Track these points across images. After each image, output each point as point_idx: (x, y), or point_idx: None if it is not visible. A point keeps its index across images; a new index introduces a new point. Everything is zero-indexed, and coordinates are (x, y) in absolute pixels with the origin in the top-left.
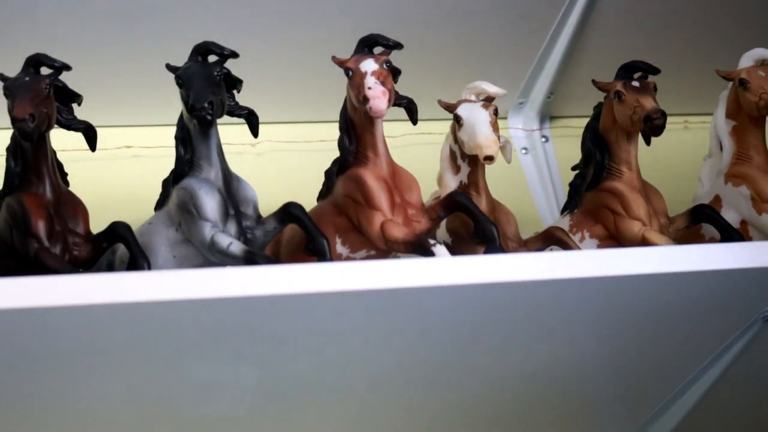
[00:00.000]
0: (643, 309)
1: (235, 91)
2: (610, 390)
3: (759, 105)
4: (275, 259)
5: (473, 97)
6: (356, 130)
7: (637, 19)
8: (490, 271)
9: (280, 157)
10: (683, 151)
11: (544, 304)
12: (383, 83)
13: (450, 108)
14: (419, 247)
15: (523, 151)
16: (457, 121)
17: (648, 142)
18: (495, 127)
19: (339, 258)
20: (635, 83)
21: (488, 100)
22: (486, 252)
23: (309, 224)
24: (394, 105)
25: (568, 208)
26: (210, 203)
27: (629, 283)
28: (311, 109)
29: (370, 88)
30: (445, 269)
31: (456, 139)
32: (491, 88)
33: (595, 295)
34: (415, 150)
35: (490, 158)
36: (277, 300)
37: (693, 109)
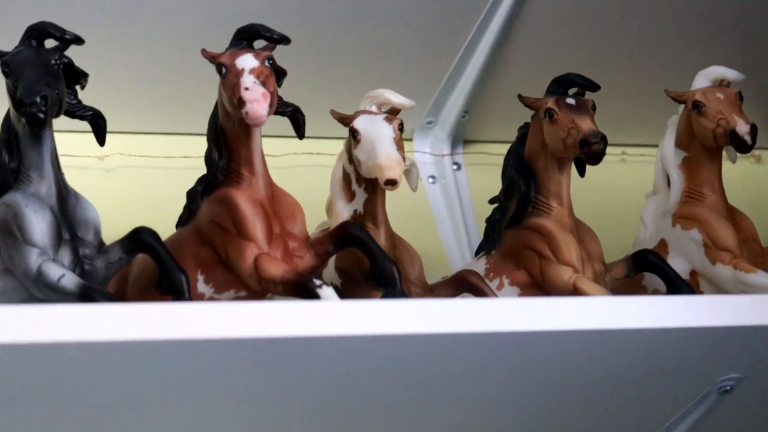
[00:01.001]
0: (573, 372)
1: (78, 87)
2: None
3: (716, 133)
4: (119, 297)
5: (374, 108)
6: (228, 141)
7: (569, 29)
8: (389, 321)
9: (134, 174)
10: (621, 187)
11: (454, 361)
12: (264, 84)
13: (345, 120)
14: (301, 288)
15: (430, 180)
16: (354, 136)
17: (582, 173)
18: (400, 146)
19: (201, 299)
20: (570, 100)
21: (392, 113)
22: (384, 297)
23: (164, 255)
24: (277, 113)
25: (484, 248)
26: (38, 225)
27: (557, 340)
28: (174, 119)
29: (247, 88)
30: (331, 316)
31: (351, 159)
32: (397, 98)
33: (516, 352)
34: (301, 173)
35: (392, 182)
36: (118, 346)
37: (632, 138)
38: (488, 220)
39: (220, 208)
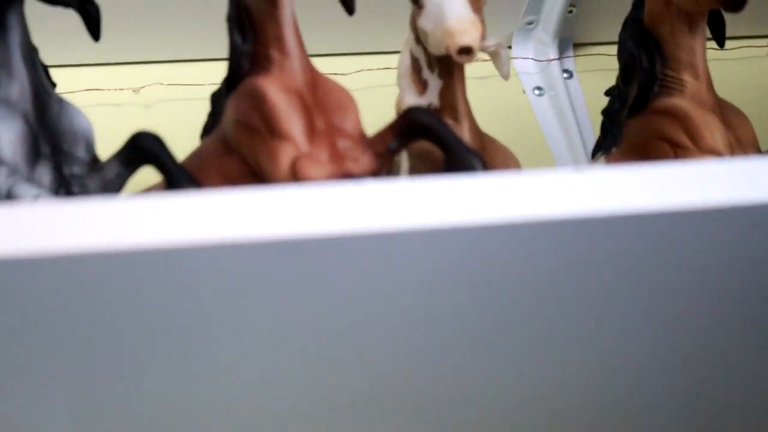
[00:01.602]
0: None
1: None
2: None
3: None
4: None
5: None
6: (252, 17)
7: None
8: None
9: (175, 107)
10: None
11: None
12: None
13: None
14: None
15: (537, 92)
16: (416, 2)
17: (721, 42)
18: (476, 6)
19: None
20: None
21: None
22: None
23: (170, 164)
24: None
25: (602, 147)
26: (6, 136)
27: None
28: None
29: None
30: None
31: (418, 37)
32: None
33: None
34: (377, 94)
35: (467, 51)
36: None
37: None
38: (605, 112)
39: (246, 102)
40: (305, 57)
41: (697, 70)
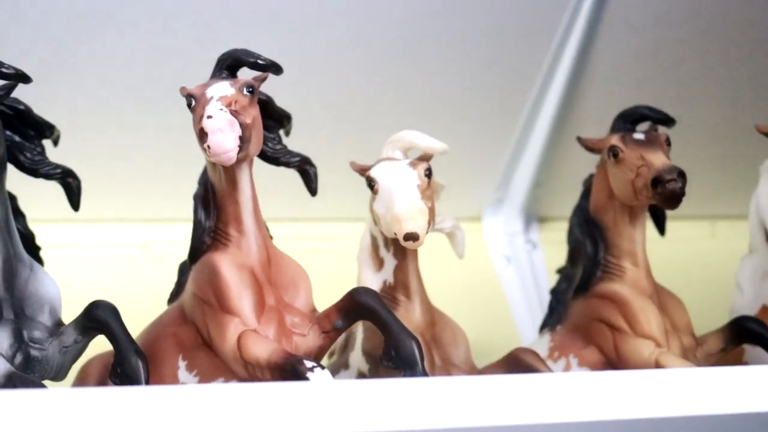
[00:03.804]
0: None
1: (49, 141)
2: None
3: None
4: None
5: (398, 155)
6: (216, 197)
7: (641, 82)
8: (398, 412)
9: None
10: (710, 251)
11: None
12: (236, 114)
13: (364, 171)
14: (290, 372)
15: (504, 261)
16: (371, 186)
17: (662, 230)
18: (426, 195)
19: None
20: (638, 135)
21: (422, 160)
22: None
23: (120, 335)
24: (280, 165)
25: (548, 323)
26: None
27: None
28: None
29: (210, 116)
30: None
31: (376, 218)
32: (423, 140)
33: None
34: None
35: (413, 237)
36: None
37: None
38: (553, 291)
39: (202, 276)
40: (263, 235)
41: (637, 258)
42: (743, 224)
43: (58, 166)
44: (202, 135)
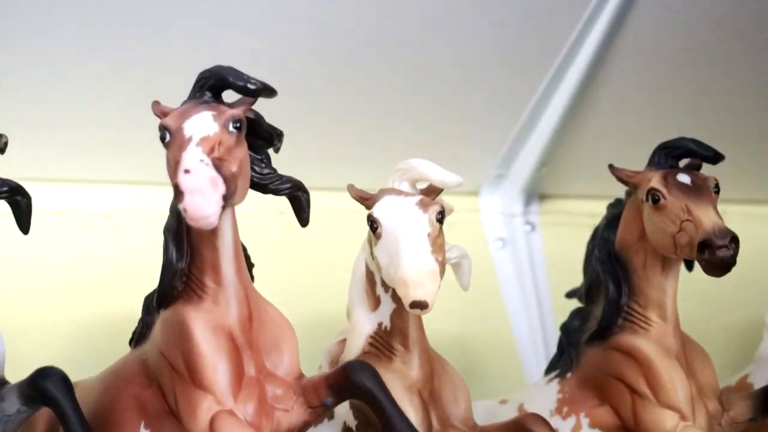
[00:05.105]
0: None
1: None
2: None
3: None
4: None
5: (406, 186)
6: (191, 237)
7: (664, 68)
8: None
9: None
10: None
11: None
12: (219, 163)
13: (365, 201)
14: None
15: (498, 244)
16: (373, 228)
17: (690, 267)
18: (437, 245)
19: None
20: (684, 178)
21: (430, 193)
22: None
23: (68, 412)
24: (268, 192)
25: (556, 366)
26: None
27: None
28: None
29: (187, 170)
30: None
31: (376, 263)
32: (437, 174)
33: None
34: None
35: (420, 306)
36: None
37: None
38: (564, 327)
39: (171, 335)
40: (244, 286)
41: (666, 311)
42: (755, 209)
43: (6, 182)
44: (177, 192)
